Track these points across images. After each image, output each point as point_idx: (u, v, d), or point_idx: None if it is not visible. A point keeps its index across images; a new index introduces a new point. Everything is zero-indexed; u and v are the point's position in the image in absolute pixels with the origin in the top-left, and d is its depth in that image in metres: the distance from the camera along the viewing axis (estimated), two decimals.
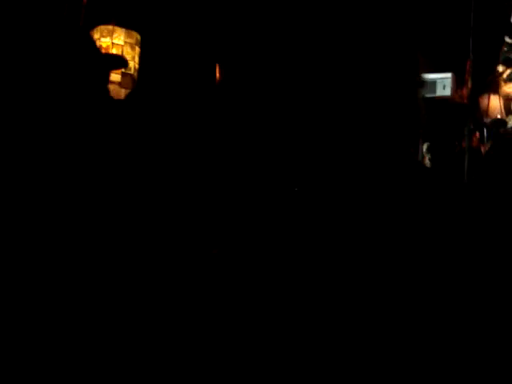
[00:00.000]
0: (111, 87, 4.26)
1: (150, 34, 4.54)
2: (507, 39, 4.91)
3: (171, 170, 4.37)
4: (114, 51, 4.22)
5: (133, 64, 4.28)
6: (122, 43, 4.24)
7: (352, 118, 1.43)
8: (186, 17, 4.72)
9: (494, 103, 4.81)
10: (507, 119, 4.69)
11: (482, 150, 4.57)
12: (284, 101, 1.54)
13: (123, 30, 4.27)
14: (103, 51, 4.20)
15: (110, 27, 4.24)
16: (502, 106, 4.79)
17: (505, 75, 4.91)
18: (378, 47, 1.50)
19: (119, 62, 3.71)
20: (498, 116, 4.75)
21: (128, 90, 4.29)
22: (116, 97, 4.31)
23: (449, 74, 4.68)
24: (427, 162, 4.66)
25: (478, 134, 4.60)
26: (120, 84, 4.26)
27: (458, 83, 4.73)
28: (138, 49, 4.34)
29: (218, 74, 4.83)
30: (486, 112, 4.77)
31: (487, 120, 4.75)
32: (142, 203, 3.27)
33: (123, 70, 4.19)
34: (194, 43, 4.70)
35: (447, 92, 4.68)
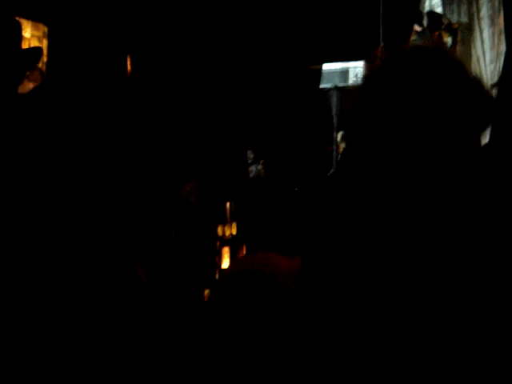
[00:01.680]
0: None
1: (59, 25, 4.43)
2: (416, 27, 4.98)
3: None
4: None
5: (40, 57, 4.16)
6: (29, 36, 4.11)
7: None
8: (96, 8, 4.62)
9: None
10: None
11: None
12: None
13: (29, 22, 4.14)
14: None
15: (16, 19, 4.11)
16: None
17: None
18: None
19: (36, 54, 3.62)
20: None
21: (36, 84, 4.17)
22: (23, 91, 4.18)
23: (361, 63, 4.71)
24: (342, 150, 4.69)
25: None
26: (28, 78, 4.13)
27: (369, 71, 4.77)
28: (45, 41, 4.22)
29: (128, 66, 4.75)
30: None
31: None
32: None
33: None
34: (104, 34, 4.61)
35: (359, 80, 4.71)
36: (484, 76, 4.59)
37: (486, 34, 4.75)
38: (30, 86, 4.07)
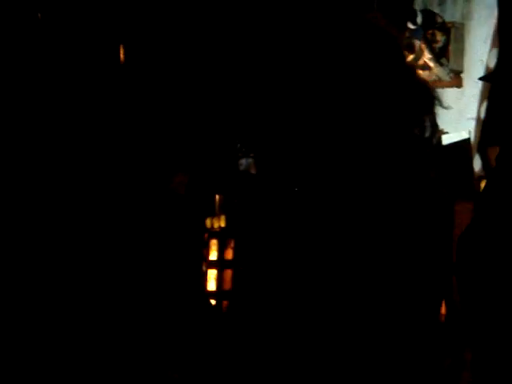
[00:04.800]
0: None
1: (52, 14, 4.42)
2: (410, 25, 4.99)
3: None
4: None
5: None
6: None
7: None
8: None
9: None
10: None
11: None
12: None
13: None
14: None
15: None
16: None
17: (408, 60, 4.99)
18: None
19: None
20: None
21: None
22: None
23: None
24: None
25: None
26: None
27: None
28: None
29: (121, 55, 4.73)
30: None
31: None
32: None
33: None
34: (98, 23, 4.60)
35: None
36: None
37: (479, 33, 4.76)
38: None
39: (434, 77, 5.00)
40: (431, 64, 4.98)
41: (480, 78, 4.36)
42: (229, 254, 5.24)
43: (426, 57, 4.98)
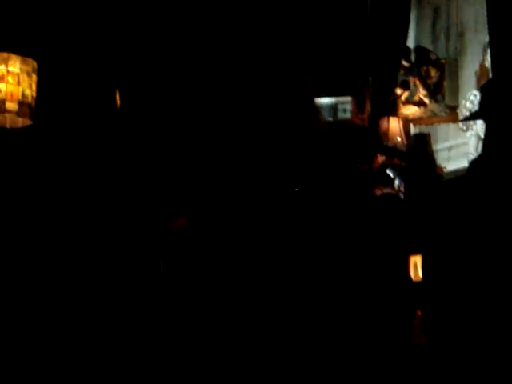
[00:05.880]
0: (8, 116, 4.13)
1: (48, 61, 4.44)
2: (404, 62, 5.01)
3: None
4: (9, 79, 4.09)
5: (30, 92, 4.15)
6: (18, 71, 4.11)
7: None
8: (84, 44, 4.64)
9: (394, 125, 4.90)
10: None
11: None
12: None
13: (19, 57, 4.14)
14: None
15: (5, 54, 4.11)
16: (401, 128, 4.88)
17: (403, 98, 5.01)
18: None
19: None
20: (398, 138, 4.83)
21: (25, 119, 4.17)
22: (12, 126, 4.18)
23: (349, 98, 4.73)
24: None
25: (378, 156, 4.66)
26: (17, 113, 4.13)
27: (358, 106, 4.79)
28: (34, 76, 4.21)
29: (118, 100, 4.76)
30: (387, 134, 4.85)
31: (388, 142, 4.83)
32: None
33: (20, 98, 4.07)
34: (93, 70, 4.62)
35: (348, 115, 4.73)
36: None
37: (473, 70, 4.79)
38: (19, 120, 4.07)
39: (429, 113, 5.02)
40: (426, 100, 5.00)
41: (464, 119, 4.39)
42: None
43: (421, 93, 5.00)
